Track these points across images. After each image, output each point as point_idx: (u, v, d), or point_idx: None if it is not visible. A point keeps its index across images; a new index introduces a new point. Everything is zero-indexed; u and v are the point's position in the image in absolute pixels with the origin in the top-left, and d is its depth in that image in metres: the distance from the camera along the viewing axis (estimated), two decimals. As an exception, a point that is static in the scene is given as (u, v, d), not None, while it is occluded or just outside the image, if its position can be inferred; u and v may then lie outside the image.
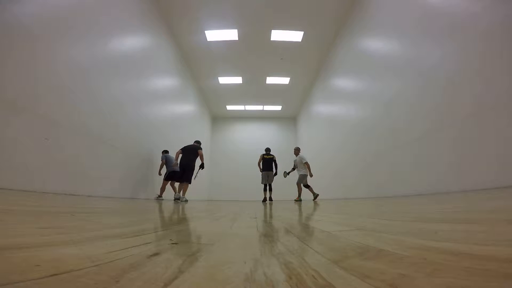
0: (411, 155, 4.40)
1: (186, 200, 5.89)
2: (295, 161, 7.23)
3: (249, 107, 14.28)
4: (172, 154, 6.74)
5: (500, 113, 2.79)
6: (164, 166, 6.72)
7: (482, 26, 2.99)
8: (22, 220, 0.89)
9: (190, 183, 6.04)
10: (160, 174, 6.66)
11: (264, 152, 7.64)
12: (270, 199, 7.23)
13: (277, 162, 7.53)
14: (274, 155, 7.66)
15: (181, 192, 5.87)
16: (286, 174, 7.48)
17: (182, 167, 6.07)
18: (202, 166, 6.41)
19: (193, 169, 6.22)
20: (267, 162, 7.46)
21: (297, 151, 7.45)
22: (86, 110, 4.22)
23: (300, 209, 2.54)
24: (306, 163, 6.92)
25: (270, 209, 2.77)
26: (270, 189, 7.28)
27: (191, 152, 6.25)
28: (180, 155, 6.20)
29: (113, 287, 0.27)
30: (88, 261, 0.36)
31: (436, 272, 0.31)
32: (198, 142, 6.72)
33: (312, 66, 10.02)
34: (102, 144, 4.64)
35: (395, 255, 0.41)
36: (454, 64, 3.45)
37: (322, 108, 10.14)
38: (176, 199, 5.81)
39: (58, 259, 0.38)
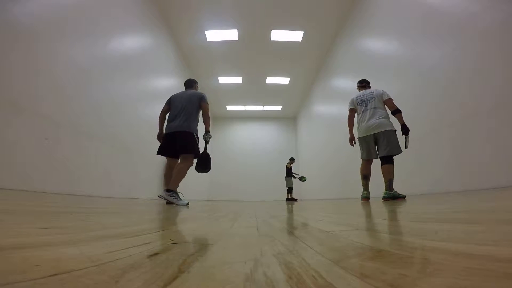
0: (411, 155, 4.40)
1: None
2: (366, 99, 3.66)
3: (249, 107, 14.28)
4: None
5: (499, 113, 2.79)
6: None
7: (482, 26, 3.00)
8: (22, 220, 0.89)
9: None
10: None
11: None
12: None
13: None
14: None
15: None
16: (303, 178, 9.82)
17: None
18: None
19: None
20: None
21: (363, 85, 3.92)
22: (86, 110, 4.22)
23: (300, 210, 2.54)
24: (390, 100, 3.50)
25: (270, 209, 2.77)
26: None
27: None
28: None
29: (113, 287, 0.27)
30: (88, 261, 0.36)
31: (436, 272, 0.31)
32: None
33: (312, 66, 10.02)
34: (102, 144, 4.64)
35: (395, 255, 0.41)
36: (454, 64, 3.45)
37: (322, 108, 10.14)
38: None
39: (58, 259, 0.38)
